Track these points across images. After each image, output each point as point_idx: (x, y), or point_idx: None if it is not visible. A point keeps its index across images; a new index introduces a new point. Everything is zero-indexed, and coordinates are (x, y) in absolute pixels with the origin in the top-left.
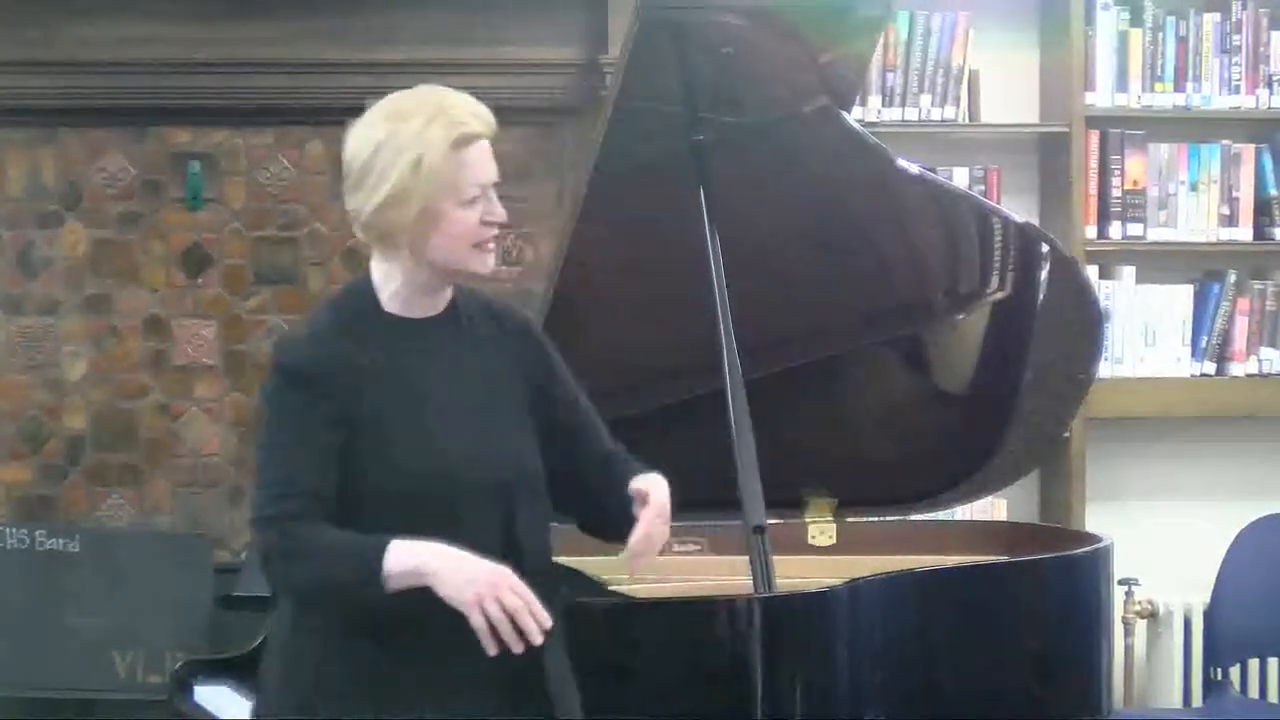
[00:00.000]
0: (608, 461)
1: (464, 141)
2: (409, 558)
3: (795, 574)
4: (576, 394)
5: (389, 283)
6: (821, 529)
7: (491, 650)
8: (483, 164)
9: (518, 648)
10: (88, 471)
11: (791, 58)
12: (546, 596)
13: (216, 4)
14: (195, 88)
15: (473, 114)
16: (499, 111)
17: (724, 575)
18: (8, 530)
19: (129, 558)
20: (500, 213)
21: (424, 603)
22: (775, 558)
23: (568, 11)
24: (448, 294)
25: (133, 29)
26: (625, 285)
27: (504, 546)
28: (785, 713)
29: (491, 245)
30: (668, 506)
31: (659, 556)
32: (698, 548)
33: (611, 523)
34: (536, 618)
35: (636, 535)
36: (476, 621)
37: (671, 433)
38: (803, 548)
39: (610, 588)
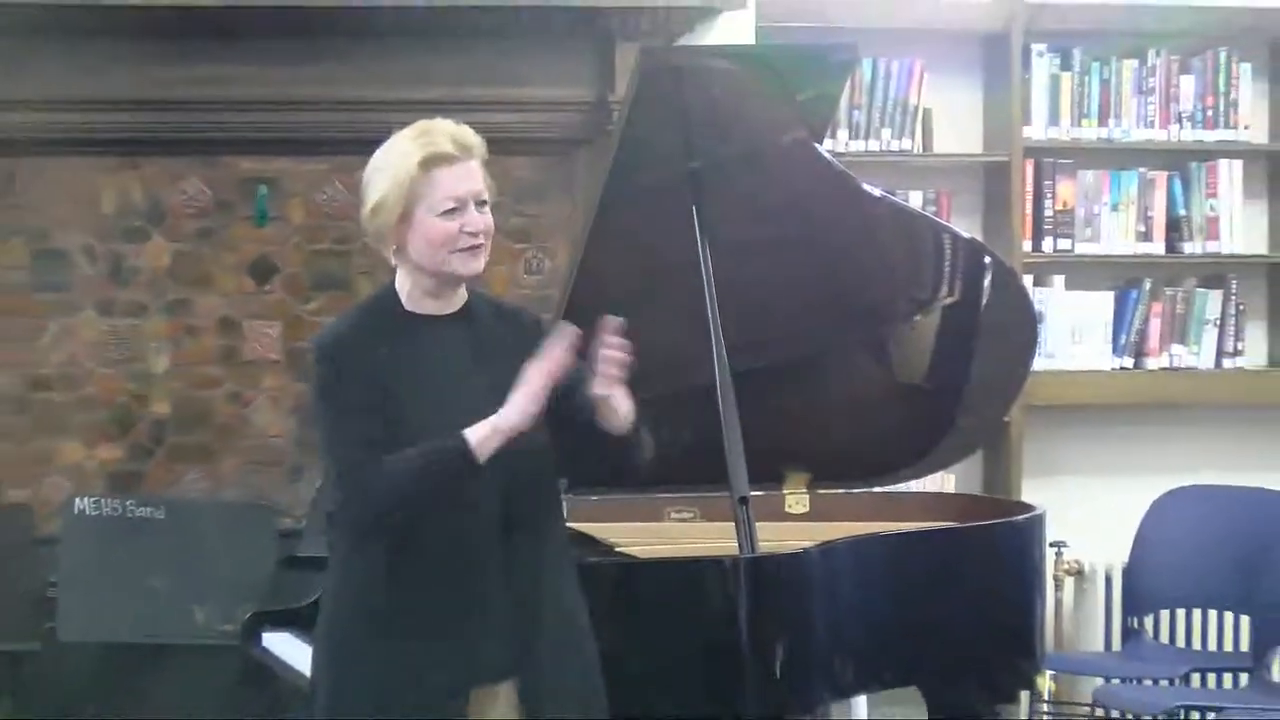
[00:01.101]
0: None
1: (434, 161)
2: (483, 429)
3: (774, 538)
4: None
5: (405, 286)
6: (797, 499)
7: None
8: (457, 181)
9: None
10: (170, 451)
11: (773, 97)
12: (555, 554)
13: (278, 52)
14: (261, 122)
15: (450, 139)
16: (519, 142)
17: (714, 539)
18: (103, 501)
19: (205, 525)
20: (477, 223)
21: (442, 548)
22: (758, 524)
23: (580, 56)
24: (462, 295)
25: (208, 72)
26: (630, 291)
27: (502, 512)
28: (767, 656)
29: (475, 250)
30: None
31: (659, 523)
32: (692, 515)
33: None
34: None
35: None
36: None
37: (669, 418)
38: (781, 515)
39: (617, 550)
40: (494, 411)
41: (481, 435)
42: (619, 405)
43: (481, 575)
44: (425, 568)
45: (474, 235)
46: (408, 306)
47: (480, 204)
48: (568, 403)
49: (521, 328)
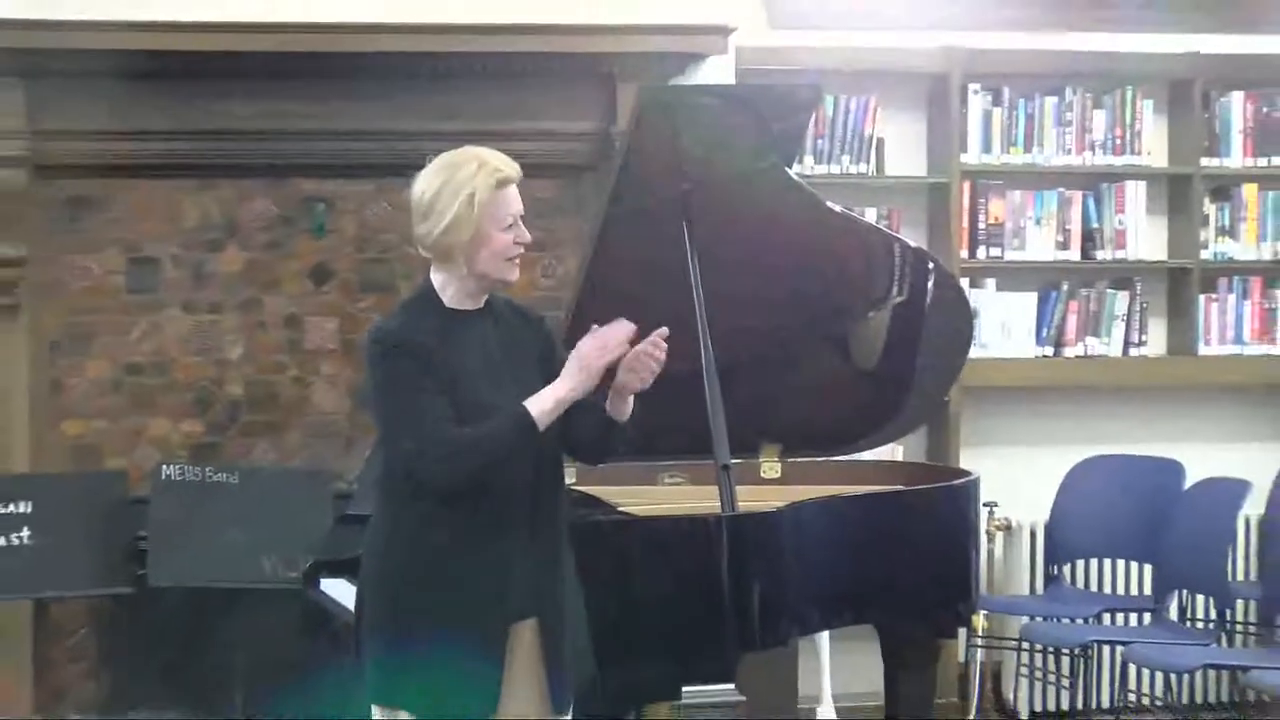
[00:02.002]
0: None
1: (504, 183)
2: (542, 402)
3: (751, 499)
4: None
5: (446, 287)
6: (770, 467)
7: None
8: (515, 200)
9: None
10: (242, 427)
11: (750, 128)
12: (562, 515)
13: (332, 91)
14: (318, 150)
15: (506, 163)
16: (536, 167)
17: (700, 500)
18: (186, 468)
19: (272, 488)
20: (527, 236)
21: (485, 509)
22: (737, 487)
23: (587, 93)
24: (484, 295)
25: (273, 108)
26: (628, 294)
27: (534, 480)
28: (744, 601)
29: (518, 261)
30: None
31: (655, 487)
32: (682, 480)
33: (585, 441)
34: (613, 337)
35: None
36: (638, 377)
37: (661, 399)
38: (756, 480)
39: (620, 509)
40: (517, 388)
41: (544, 407)
42: (630, 399)
43: (514, 532)
44: (470, 526)
45: (521, 248)
46: (448, 304)
47: (523, 219)
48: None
49: (529, 320)
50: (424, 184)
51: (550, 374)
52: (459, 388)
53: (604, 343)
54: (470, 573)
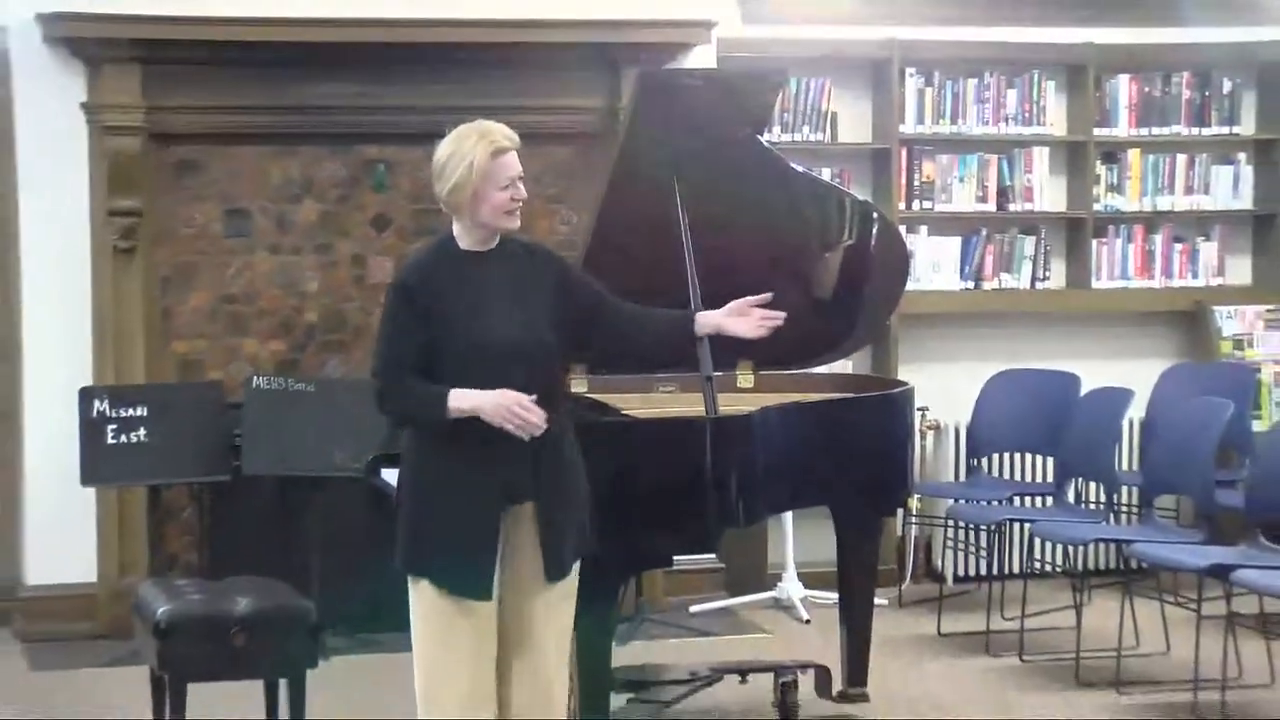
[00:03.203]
0: (635, 311)
1: (499, 152)
2: (459, 400)
3: (729, 404)
4: (592, 283)
5: (462, 234)
6: (745, 378)
7: (523, 435)
8: (511, 165)
9: (527, 435)
10: (317, 346)
11: (729, 104)
12: (559, 419)
13: (390, 74)
14: (379, 122)
15: (505, 136)
16: (554, 136)
17: (689, 406)
18: (272, 379)
19: (341, 395)
20: (523, 193)
21: (467, 426)
22: (718, 394)
23: (595, 76)
24: (497, 237)
25: (343, 88)
26: (630, 240)
27: (525, 386)
28: (725, 486)
29: (517, 212)
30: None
31: (651, 394)
32: (673, 389)
33: (650, 346)
34: (530, 421)
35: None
36: (503, 425)
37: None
38: (734, 389)
39: (623, 413)
40: (524, 315)
41: (459, 404)
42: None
43: (505, 433)
44: (475, 423)
45: (518, 202)
46: (463, 248)
47: (520, 179)
48: (598, 319)
49: (536, 254)
50: (440, 152)
51: (564, 290)
52: (455, 326)
53: (523, 412)
54: (464, 465)
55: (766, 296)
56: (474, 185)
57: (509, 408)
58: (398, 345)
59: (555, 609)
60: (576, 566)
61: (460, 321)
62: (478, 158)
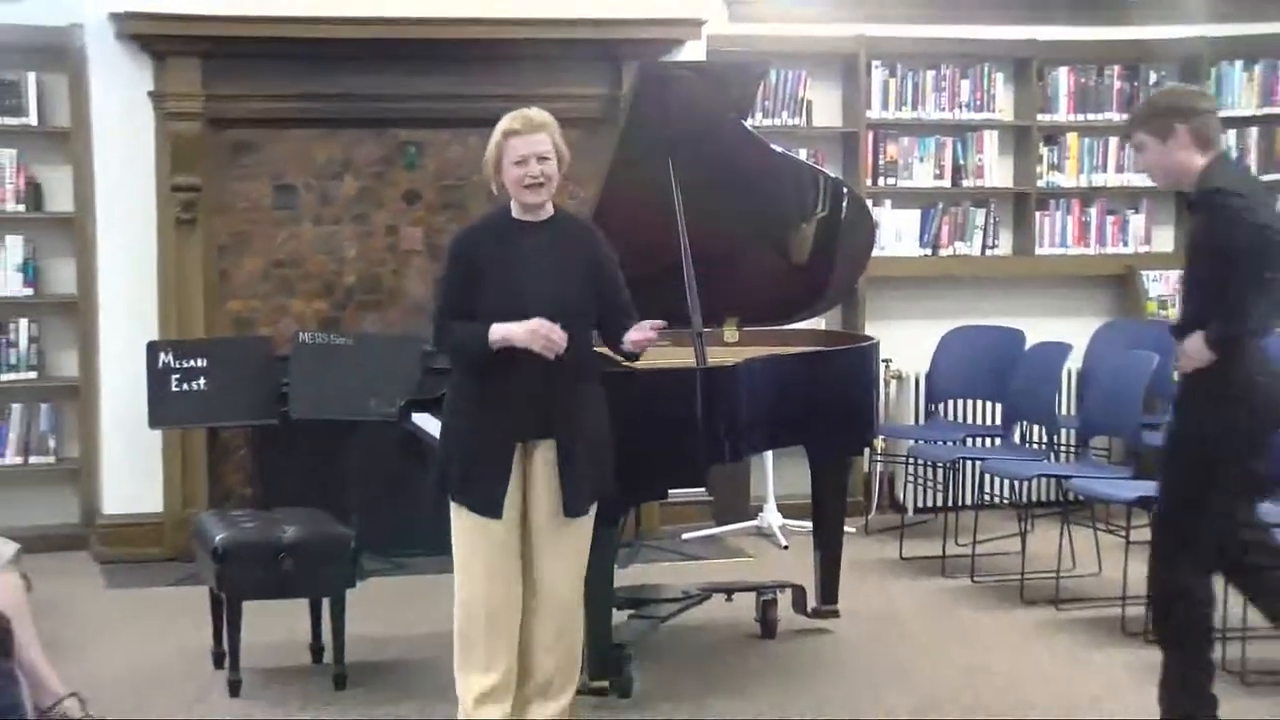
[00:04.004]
0: (621, 313)
1: (508, 135)
2: (496, 333)
3: (717, 357)
4: (617, 276)
5: (514, 206)
6: (731, 333)
7: (548, 355)
8: (521, 146)
9: (552, 354)
10: (356, 305)
11: (717, 92)
12: (585, 370)
13: (420, 66)
14: (411, 108)
15: (522, 120)
16: (561, 120)
17: (681, 358)
18: (315, 334)
19: (377, 349)
20: (536, 171)
21: (513, 359)
22: (707, 348)
23: (599, 67)
24: (549, 210)
25: (379, 79)
26: (630, 213)
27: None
28: (713, 429)
29: (536, 187)
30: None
31: (651, 346)
32: (667, 344)
33: (615, 340)
34: (554, 341)
35: (632, 335)
36: (530, 345)
37: (656, 286)
38: (720, 343)
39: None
40: (559, 280)
41: (494, 336)
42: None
43: (532, 375)
44: (500, 369)
45: (535, 178)
46: (515, 217)
47: (541, 159)
48: (608, 310)
49: (581, 230)
50: None
51: (597, 269)
52: (496, 282)
53: (550, 336)
54: (486, 406)
55: (661, 323)
56: (493, 162)
57: (535, 330)
58: (450, 296)
59: (571, 543)
60: (594, 509)
61: (500, 279)
62: (494, 139)
